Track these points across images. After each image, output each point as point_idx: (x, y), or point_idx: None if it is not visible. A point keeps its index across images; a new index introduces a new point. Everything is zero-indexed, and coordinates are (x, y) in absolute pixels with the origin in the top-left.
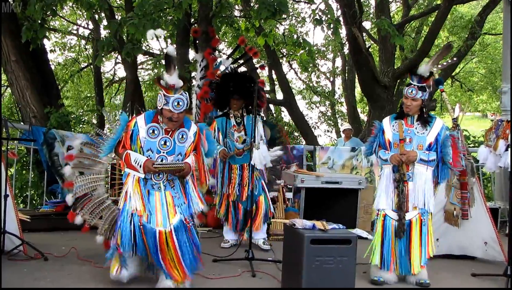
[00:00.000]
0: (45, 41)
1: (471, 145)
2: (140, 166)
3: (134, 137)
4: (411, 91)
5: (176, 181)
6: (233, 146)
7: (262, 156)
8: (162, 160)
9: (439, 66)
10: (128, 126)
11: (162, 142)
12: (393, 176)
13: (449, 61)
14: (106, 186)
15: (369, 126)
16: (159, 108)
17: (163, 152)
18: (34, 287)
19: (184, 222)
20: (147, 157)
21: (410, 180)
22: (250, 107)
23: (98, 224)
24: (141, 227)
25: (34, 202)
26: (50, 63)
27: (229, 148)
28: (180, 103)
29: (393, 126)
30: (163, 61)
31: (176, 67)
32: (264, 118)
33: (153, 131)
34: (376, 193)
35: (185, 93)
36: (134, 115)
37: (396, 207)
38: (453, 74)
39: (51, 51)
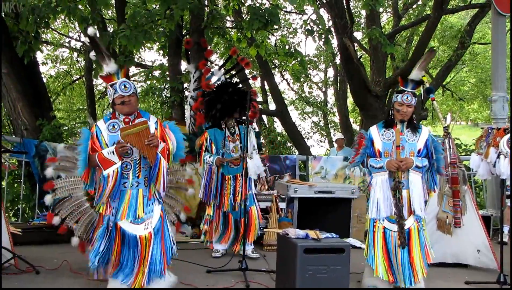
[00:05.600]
0: (37, 53)
1: (462, 154)
2: (114, 153)
3: (100, 139)
4: (407, 98)
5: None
6: (229, 156)
7: (256, 166)
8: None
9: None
10: (92, 133)
11: None
12: (391, 184)
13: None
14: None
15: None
16: (111, 102)
17: None
18: (34, 287)
19: (161, 223)
20: None
21: (404, 187)
22: (243, 117)
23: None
24: (119, 232)
25: (26, 215)
26: (42, 75)
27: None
28: (127, 86)
29: (382, 134)
30: (155, 72)
31: (109, 54)
32: (256, 129)
33: (113, 126)
34: (370, 202)
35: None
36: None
37: (394, 216)
38: (444, 83)
39: (43, 63)
